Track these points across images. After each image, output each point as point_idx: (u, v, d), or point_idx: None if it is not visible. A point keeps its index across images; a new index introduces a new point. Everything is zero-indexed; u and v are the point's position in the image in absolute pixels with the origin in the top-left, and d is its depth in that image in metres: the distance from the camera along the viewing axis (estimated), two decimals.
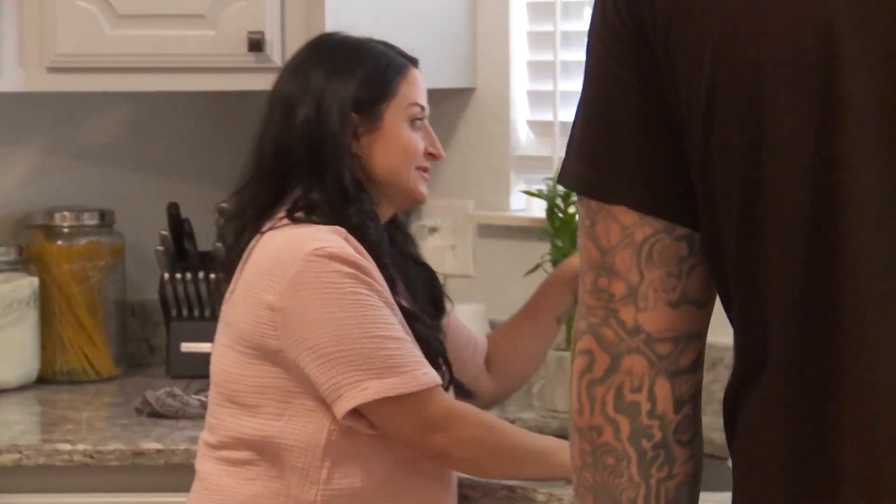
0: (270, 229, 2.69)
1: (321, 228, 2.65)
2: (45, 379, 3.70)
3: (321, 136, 2.79)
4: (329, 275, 2.60)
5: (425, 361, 2.65)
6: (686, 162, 1.61)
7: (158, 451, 3.08)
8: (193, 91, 3.80)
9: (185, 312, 3.77)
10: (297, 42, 3.33)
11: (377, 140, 2.80)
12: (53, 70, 3.51)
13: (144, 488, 3.09)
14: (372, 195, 2.79)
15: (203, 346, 3.41)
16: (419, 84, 2.87)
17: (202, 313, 3.76)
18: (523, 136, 3.76)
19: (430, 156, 2.84)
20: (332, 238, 2.62)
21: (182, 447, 3.05)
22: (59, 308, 3.74)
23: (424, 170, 2.84)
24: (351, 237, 2.65)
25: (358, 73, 2.82)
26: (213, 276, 3.71)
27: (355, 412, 2.60)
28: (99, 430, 3.34)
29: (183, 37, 3.50)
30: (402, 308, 2.70)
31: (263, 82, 3.17)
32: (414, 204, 2.88)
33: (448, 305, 2.99)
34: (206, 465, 2.73)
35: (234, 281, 2.71)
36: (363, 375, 2.57)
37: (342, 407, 2.57)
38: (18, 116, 3.86)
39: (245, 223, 2.76)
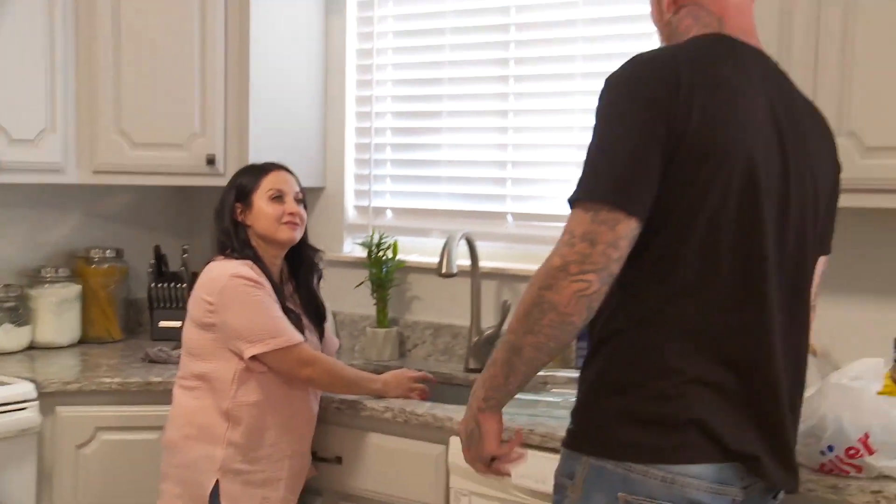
0: (212, 261, 2.95)
1: (239, 262, 2.89)
2: (83, 341, 3.94)
3: (221, 219, 3.01)
4: (240, 286, 2.83)
5: (295, 329, 2.86)
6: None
7: (159, 381, 3.32)
8: (173, 185, 4.04)
9: (161, 305, 4.04)
10: (234, 162, 3.68)
11: (252, 215, 2.99)
12: (97, 172, 3.73)
13: (152, 402, 3.28)
14: (263, 245, 2.98)
15: (172, 324, 3.93)
16: (279, 178, 3.02)
17: (170, 306, 4.04)
18: (351, 213, 4.04)
19: (290, 214, 2.97)
20: (242, 267, 2.86)
21: (172, 380, 3.11)
22: (93, 302, 3.98)
23: (289, 223, 2.96)
24: (255, 266, 2.88)
25: (238, 181, 3.05)
26: (177, 285, 4.04)
27: (254, 358, 2.80)
28: (121, 370, 3.45)
29: (172, 156, 3.72)
30: (284, 307, 2.90)
31: (214, 181, 3.61)
32: (286, 243, 2.99)
33: (328, 316, 3.18)
34: (175, 391, 2.95)
35: (193, 288, 2.95)
36: (263, 337, 2.80)
37: (250, 351, 2.79)
38: (73, 195, 4.04)
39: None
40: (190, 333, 2.94)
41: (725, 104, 1.90)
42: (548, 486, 2.16)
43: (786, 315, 2.01)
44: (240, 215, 3.01)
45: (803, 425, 2.27)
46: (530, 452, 2.43)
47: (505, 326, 3.52)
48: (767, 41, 2.31)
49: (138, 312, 4.21)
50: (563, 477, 2.01)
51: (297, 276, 3.12)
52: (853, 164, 2.57)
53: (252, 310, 2.84)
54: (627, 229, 1.84)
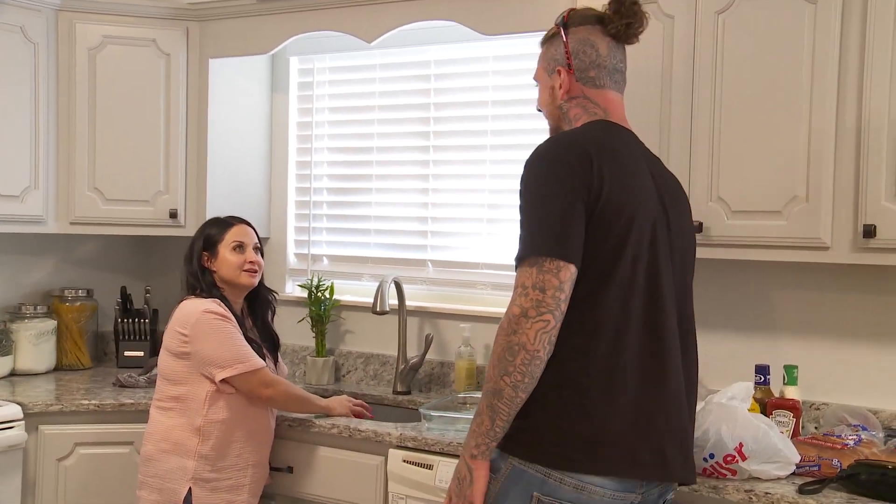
0: (184, 300, 2.90)
1: (208, 300, 2.86)
2: (58, 368, 3.85)
3: (190, 263, 2.96)
4: (211, 319, 2.79)
5: (258, 356, 2.82)
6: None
7: (131, 403, 3.26)
8: (141, 235, 3.96)
9: (126, 337, 3.96)
10: (193, 216, 3.70)
11: (217, 262, 2.94)
12: (74, 223, 3.66)
13: (124, 421, 3.25)
14: (227, 287, 2.93)
15: (135, 353, 3.97)
16: (241, 231, 2.98)
17: (134, 338, 3.97)
18: (292, 259, 3.98)
19: (250, 263, 2.94)
20: (212, 304, 2.83)
21: (142, 402, 3.23)
22: (66, 335, 3.90)
23: (249, 270, 2.93)
24: (221, 303, 2.85)
25: (205, 232, 3.00)
26: (141, 321, 3.97)
27: (224, 381, 2.76)
28: (96, 393, 3.37)
29: (139, 210, 3.68)
30: (247, 337, 2.86)
31: (176, 232, 3.70)
32: (246, 288, 2.95)
33: (279, 345, 3.12)
34: (152, 411, 2.89)
35: (168, 323, 2.89)
36: (232, 362, 2.76)
37: (221, 375, 2.75)
38: (50, 243, 3.95)
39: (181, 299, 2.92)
40: (166, 362, 2.89)
41: (624, 172, 1.97)
42: None
43: (680, 339, 2.06)
44: (206, 262, 2.97)
45: None
46: (454, 461, 2.50)
47: (427, 356, 3.55)
48: (651, 133, 2.49)
49: (105, 343, 4.15)
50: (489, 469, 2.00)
51: (255, 311, 3.08)
52: (722, 224, 2.68)
53: (221, 339, 2.79)
54: (568, 274, 1.88)
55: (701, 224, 2.67)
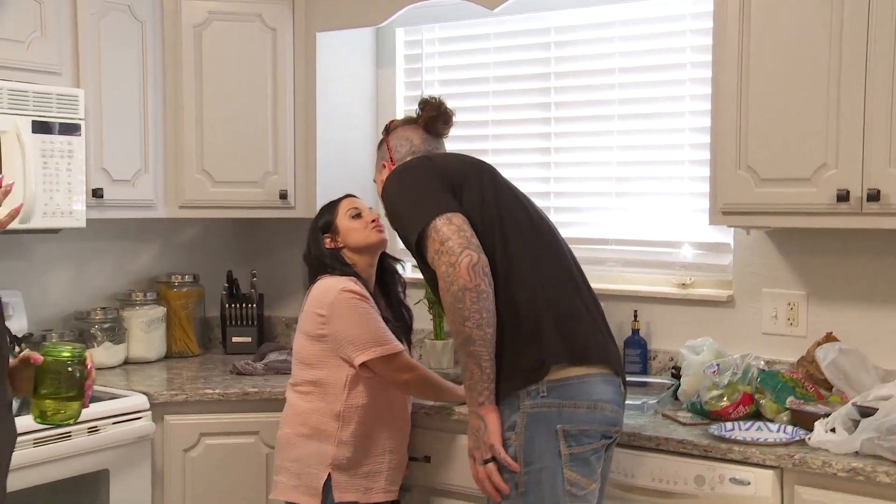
0: (320, 278, 2.82)
1: (344, 278, 2.78)
2: (168, 356, 3.78)
3: (311, 247, 2.91)
4: (349, 299, 2.72)
5: (396, 339, 2.74)
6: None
7: (255, 391, 3.19)
8: (249, 217, 3.82)
9: (233, 322, 3.89)
10: (303, 197, 3.61)
11: (342, 235, 2.87)
12: (183, 207, 3.57)
13: (248, 410, 3.18)
14: (358, 259, 2.86)
15: (243, 339, 3.85)
16: (353, 201, 2.93)
17: (242, 323, 3.89)
18: None
19: (373, 222, 2.88)
20: (349, 282, 2.75)
21: (265, 390, 3.18)
22: (174, 321, 3.82)
23: (375, 227, 2.88)
24: (358, 281, 2.79)
25: (319, 221, 2.93)
26: (247, 305, 3.88)
27: (363, 364, 2.69)
28: (218, 382, 3.31)
29: (248, 191, 3.58)
30: (382, 317, 2.78)
31: (286, 214, 3.61)
32: (379, 246, 2.89)
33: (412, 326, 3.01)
34: (289, 395, 2.83)
35: (303, 302, 2.83)
36: (371, 345, 2.68)
37: (360, 358, 2.67)
38: (154, 228, 3.86)
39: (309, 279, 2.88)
40: (302, 345, 2.81)
41: (460, 160, 2.46)
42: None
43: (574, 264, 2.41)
44: (330, 243, 2.89)
45: (886, 419, 2.16)
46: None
47: None
48: (817, 96, 2.41)
49: (210, 329, 4.08)
50: (506, 430, 2.17)
51: (387, 287, 3.00)
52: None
53: (360, 321, 2.72)
54: (460, 220, 2.17)
55: (878, 191, 2.46)
